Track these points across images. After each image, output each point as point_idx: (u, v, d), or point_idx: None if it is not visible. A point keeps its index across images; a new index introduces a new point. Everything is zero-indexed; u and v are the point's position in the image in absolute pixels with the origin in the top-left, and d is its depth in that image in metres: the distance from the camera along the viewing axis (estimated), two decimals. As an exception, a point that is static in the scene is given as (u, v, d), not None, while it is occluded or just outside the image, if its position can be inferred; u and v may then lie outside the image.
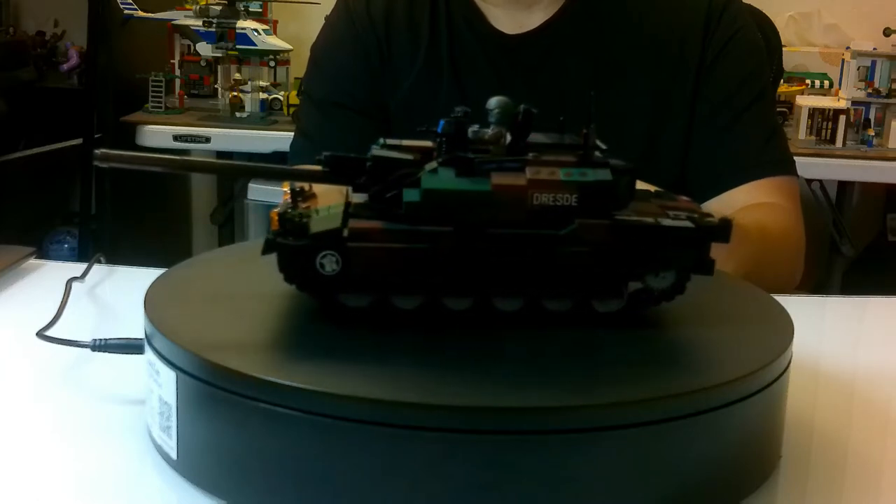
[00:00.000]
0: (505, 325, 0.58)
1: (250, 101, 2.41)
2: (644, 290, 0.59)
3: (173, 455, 0.56)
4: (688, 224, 0.57)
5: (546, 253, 0.56)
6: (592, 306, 0.59)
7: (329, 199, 0.60)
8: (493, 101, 0.58)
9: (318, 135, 1.17)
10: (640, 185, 0.87)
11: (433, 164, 0.57)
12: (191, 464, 0.55)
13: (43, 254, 1.20)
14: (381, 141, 0.59)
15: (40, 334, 0.70)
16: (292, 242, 0.56)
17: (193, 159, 0.60)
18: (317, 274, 0.56)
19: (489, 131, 0.58)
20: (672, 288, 0.59)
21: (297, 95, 2.34)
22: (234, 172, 0.64)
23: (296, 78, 2.43)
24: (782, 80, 2.30)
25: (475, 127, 0.58)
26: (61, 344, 0.69)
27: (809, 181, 2.36)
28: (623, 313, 0.59)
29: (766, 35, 1.77)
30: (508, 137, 0.58)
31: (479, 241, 0.56)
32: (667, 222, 0.57)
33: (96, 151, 0.57)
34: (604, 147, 0.58)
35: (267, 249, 0.57)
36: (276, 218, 0.57)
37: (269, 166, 0.64)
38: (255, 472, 0.51)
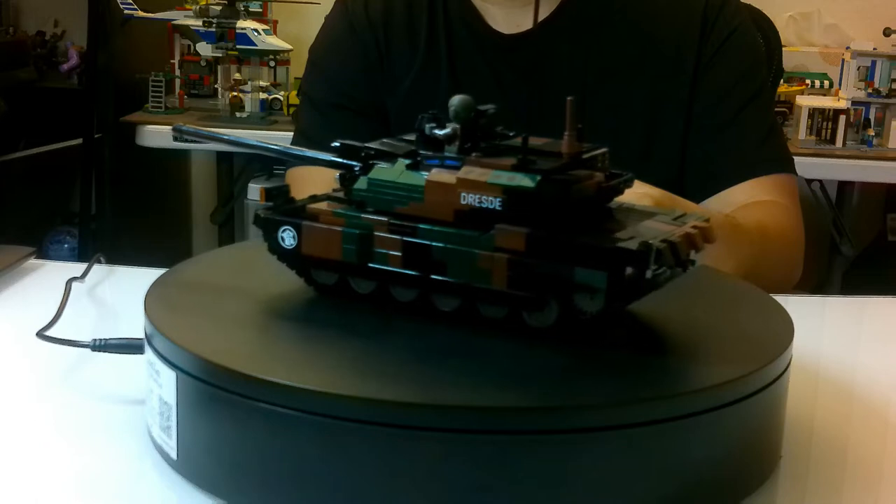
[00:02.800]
0: (505, 326, 0.58)
1: (250, 101, 2.41)
2: (574, 309, 0.55)
3: (173, 455, 0.56)
4: (603, 245, 0.53)
5: (468, 255, 0.56)
6: (523, 319, 0.57)
7: None
8: (454, 100, 0.58)
9: (318, 135, 1.17)
10: (642, 186, 0.89)
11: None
12: (191, 464, 0.55)
13: (43, 254, 1.20)
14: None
15: (40, 334, 0.70)
16: (264, 215, 0.62)
17: (251, 140, 0.67)
18: (280, 247, 0.62)
19: (445, 129, 0.58)
20: (602, 312, 0.54)
21: (297, 95, 2.33)
22: (283, 155, 0.69)
23: (296, 78, 2.43)
24: (782, 80, 2.30)
25: (433, 124, 0.58)
26: (61, 344, 0.69)
27: (809, 181, 2.36)
28: (558, 331, 0.56)
29: (766, 35, 1.77)
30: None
31: (410, 233, 0.57)
32: (589, 241, 0.53)
33: (173, 127, 0.65)
34: (585, 156, 0.57)
35: (254, 220, 0.63)
36: (262, 192, 0.62)
37: (308, 152, 0.68)
38: (255, 472, 0.51)
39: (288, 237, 0.62)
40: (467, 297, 0.57)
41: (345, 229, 0.59)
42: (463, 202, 0.55)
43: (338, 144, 0.62)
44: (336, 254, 0.60)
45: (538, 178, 0.54)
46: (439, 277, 0.57)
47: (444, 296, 0.58)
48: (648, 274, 0.54)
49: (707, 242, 0.57)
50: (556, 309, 0.55)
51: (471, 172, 0.56)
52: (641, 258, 0.52)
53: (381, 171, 0.59)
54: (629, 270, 0.53)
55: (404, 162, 0.58)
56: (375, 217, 0.59)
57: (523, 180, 0.54)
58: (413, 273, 0.58)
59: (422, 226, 0.57)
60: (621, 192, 0.59)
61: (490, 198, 0.55)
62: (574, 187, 0.54)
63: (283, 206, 0.62)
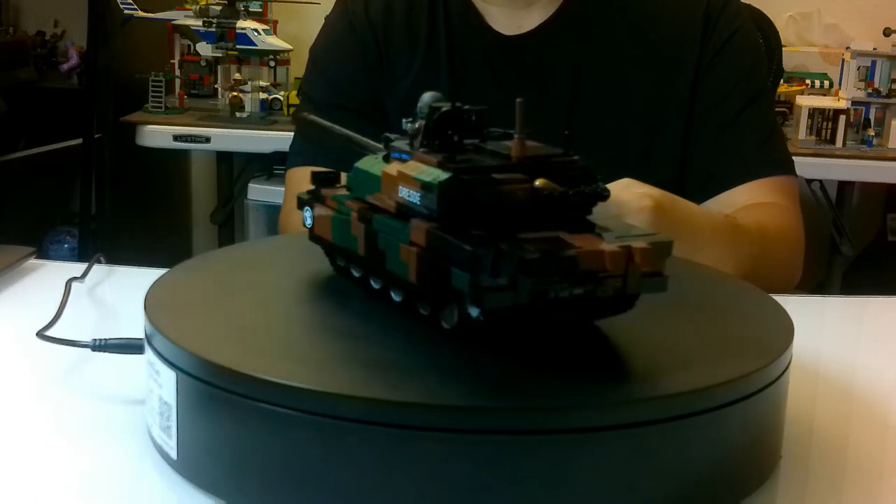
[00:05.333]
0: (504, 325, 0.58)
1: (250, 101, 2.41)
2: (467, 314, 0.53)
3: (173, 455, 0.55)
4: (466, 247, 0.51)
5: (395, 247, 0.56)
6: (439, 318, 0.56)
7: None
8: (424, 96, 0.58)
9: (317, 135, 1.17)
10: (642, 187, 0.89)
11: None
12: (191, 464, 0.55)
13: (43, 254, 1.20)
14: None
15: (40, 334, 0.70)
16: (299, 195, 0.67)
17: (353, 135, 0.69)
18: (306, 227, 0.66)
19: (415, 125, 0.58)
20: (486, 319, 0.52)
21: (297, 95, 2.34)
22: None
23: (296, 78, 2.43)
24: (782, 80, 2.30)
25: (409, 119, 0.59)
26: (61, 344, 0.69)
27: (809, 181, 2.36)
28: (460, 334, 0.54)
29: (766, 35, 1.77)
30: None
31: (368, 221, 0.59)
32: (465, 243, 0.51)
33: (295, 116, 0.68)
34: (531, 161, 0.55)
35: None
36: (311, 175, 0.66)
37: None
38: (255, 472, 0.51)
39: (308, 218, 0.66)
40: (405, 289, 0.58)
41: (333, 213, 0.62)
42: (399, 195, 0.56)
43: (384, 137, 0.63)
44: (329, 236, 0.63)
45: (448, 175, 0.53)
46: (383, 267, 0.58)
47: (393, 286, 0.59)
48: (526, 286, 0.50)
49: (643, 265, 0.52)
50: (456, 310, 0.54)
51: (408, 167, 0.56)
52: (494, 265, 0.49)
53: (365, 161, 0.61)
54: (489, 278, 0.50)
55: (382, 154, 0.60)
56: (353, 204, 0.61)
57: (436, 177, 0.54)
58: (371, 260, 0.59)
59: (375, 215, 0.58)
60: (587, 202, 0.55)
61: (414, 192, 0.55)
62: (481, 188, 0.53)
63: (315, 189, 0.65)
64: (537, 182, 0.53)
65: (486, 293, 0.50)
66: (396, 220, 0.56)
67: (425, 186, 0.54)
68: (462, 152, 0.56)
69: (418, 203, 0.54)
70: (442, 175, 0.53)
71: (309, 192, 0.66)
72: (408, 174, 0.55)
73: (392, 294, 0.60)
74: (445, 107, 0.58)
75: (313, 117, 0.68)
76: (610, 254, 0.51)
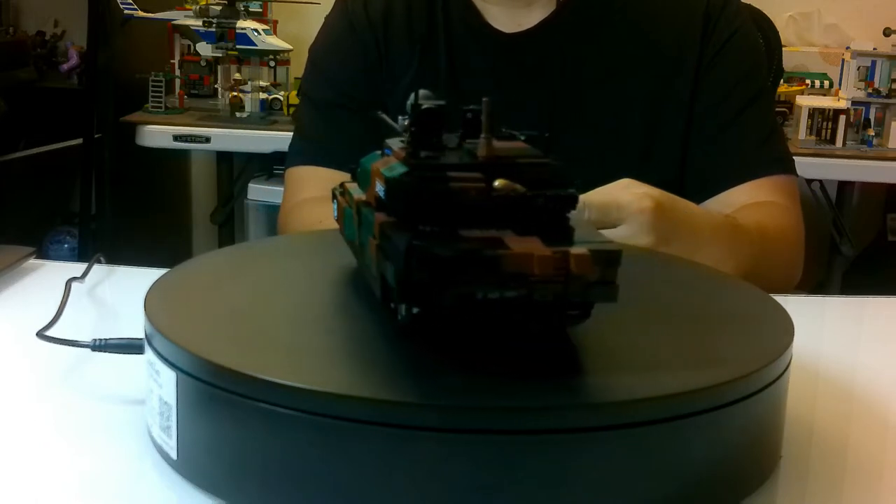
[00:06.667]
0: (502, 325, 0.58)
1: (250, 101, 2.41)
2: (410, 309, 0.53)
3: (173, 455, 0.55)
4: (392, 241, 0.51)
5: (367, 239, 0.57)
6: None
7: None
8: (415, 94, 0.59)
9: (317, 135, 1.17)
10: (642, 187, 0.89)
11: None
12: (191, 464, 0.55)
13: (43, 254, 1.20)
14: None
15: (40, 334, 0.70)
16: (333, 188, 0.69)
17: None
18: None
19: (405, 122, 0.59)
20: (421, 316, 0.52)
21: (297, 95, 2.34)
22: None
23: (296, 78, 2.44)
24: (782, 80, 2.30)
25: (405, 117, 0.59)
26: (61, 344, 0.69)
27: (809, 181, 2.36)
28: (410, 331, 0.53)
29: (766, 35, 1.77)
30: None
31: (360, 216, 0.60)
32: (400, 237, 0.50)
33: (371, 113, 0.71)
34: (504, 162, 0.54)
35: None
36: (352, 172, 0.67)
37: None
38: (255, 472, 0.51)
39: (336, 211, 0.68)
40: (377, 283, 0.59)
41: (345, 207, 0.64)
42: (376, 189, 0.57)
43: None
44: (341, 229, 0.65)
45: (404, 170, 0.53)
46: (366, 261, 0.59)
47: (372, 280, 0.60)
48: (448, 285, 0.49)
49: (579, 272, 0.50)
50: (404, 304, 0.54)
51: (385, 162, 0.57)
52: (407, 261, 0.49)
53: (368, 157, 0.62)
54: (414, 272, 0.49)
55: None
56: (356, 198, 0.61)
57: (395, 172, 0.54)
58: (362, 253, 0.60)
59: (363, 209, 0.59)
60: (553, 205, 0.53)
61: (381, 187, 0.56)
62: (431, 185, 0.52)
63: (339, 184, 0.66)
64: (496, 182, 0.52)
65: (403, 289, 0.50)
66: (371, 214, 0.57)
67: (386, 181, 0.55)
68: (436, 150, 0.55)
69: (383, 197, 0.55)
70: (399, 171, 0.54)
71: (341, 184, 0.67)
72: (379, 169, 0.56)
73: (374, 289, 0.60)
74: (427, 104, 0.57)
75: (384, 116, 0.66)
76: (539, 258, 0.49)
